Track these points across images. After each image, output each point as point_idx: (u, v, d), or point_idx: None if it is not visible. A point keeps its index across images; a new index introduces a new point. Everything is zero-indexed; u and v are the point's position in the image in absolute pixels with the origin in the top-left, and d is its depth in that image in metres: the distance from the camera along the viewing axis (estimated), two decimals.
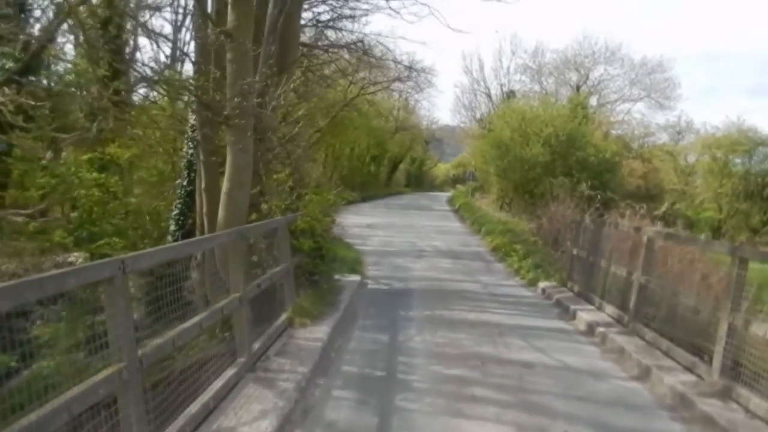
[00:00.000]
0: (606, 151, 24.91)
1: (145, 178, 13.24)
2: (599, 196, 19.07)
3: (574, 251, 10.37)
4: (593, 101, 36.52)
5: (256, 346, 5.95)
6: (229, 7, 7.41)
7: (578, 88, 37.08)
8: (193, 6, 10.46)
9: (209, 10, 8.32)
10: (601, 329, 7.50)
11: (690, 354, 5.89)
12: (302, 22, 16.29)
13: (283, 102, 8.65)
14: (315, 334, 6.91)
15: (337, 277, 10.16)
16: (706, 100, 64.41)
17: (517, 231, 17.54)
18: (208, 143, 8.59)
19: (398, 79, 31.68)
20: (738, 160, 32.64)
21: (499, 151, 24.37)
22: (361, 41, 16.85)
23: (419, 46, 47.30)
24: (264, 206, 8.27)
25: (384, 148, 45.90)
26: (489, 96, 40.10)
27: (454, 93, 54.13)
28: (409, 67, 28.34)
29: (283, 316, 7.29)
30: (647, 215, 17.89)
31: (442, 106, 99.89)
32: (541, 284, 10.94)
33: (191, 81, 8.29)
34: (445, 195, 46.47)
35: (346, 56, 21.87)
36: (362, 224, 20.53)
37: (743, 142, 31.81)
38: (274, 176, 8.63)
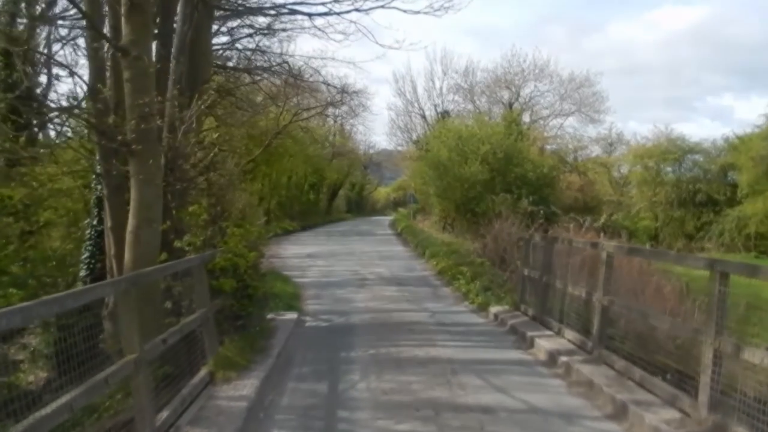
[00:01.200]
0: (543, 166, 24.80)
1: (53, 219, 11.97)
2: (542, 211, 18.75)
3: (525, 272, 9.68)
4: (526, 117, 36.63)
5: (165, 414, 4.90)
6: (123, 19, 6.45)
7: (511, 105, 37.15)
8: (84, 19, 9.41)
9: (105, 28, 7.34)
10: (563, 358, 6.75)
11: (669, 385, 5.18)
12: (225, 41, 15.38)
13: (194, 126, 7.68)
14: (240, 391, 5.91)
15: (271, 316, 9.16)
16: (630, 112, 66.42)
17: (462, 252, 16.87)
18: (111, 176, 7.57)
19: (331, 104, 30.98)
20: (669, 169, 33.25)
21: (438, 172, 23.88)
22: (286, 62, 15.96)
23: (351, 70, 47.09)
24: (177, 244, 7.24)
25: (322, 175, 44.86)
26: (424, 117, 39.75)
27: (388, 116, 53.68)
28: (342, 91, 27.76)
29: (203, 371, 6.23)
30: (591, 228, 17.75)
31: (378, 131, 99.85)
32: (493, 309, 10.19)
33: (82, 106, 7.25)
34: (387, 219, 45.75)
35: (275, 81, 20.97)
36: (302, 254, 19.63)
37: (672, 150, 32.43)
38: (189, 209, 7.61)
